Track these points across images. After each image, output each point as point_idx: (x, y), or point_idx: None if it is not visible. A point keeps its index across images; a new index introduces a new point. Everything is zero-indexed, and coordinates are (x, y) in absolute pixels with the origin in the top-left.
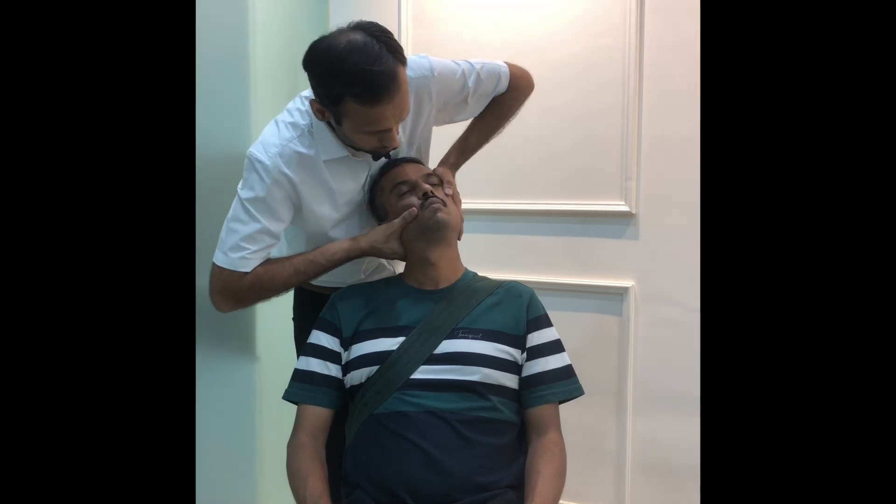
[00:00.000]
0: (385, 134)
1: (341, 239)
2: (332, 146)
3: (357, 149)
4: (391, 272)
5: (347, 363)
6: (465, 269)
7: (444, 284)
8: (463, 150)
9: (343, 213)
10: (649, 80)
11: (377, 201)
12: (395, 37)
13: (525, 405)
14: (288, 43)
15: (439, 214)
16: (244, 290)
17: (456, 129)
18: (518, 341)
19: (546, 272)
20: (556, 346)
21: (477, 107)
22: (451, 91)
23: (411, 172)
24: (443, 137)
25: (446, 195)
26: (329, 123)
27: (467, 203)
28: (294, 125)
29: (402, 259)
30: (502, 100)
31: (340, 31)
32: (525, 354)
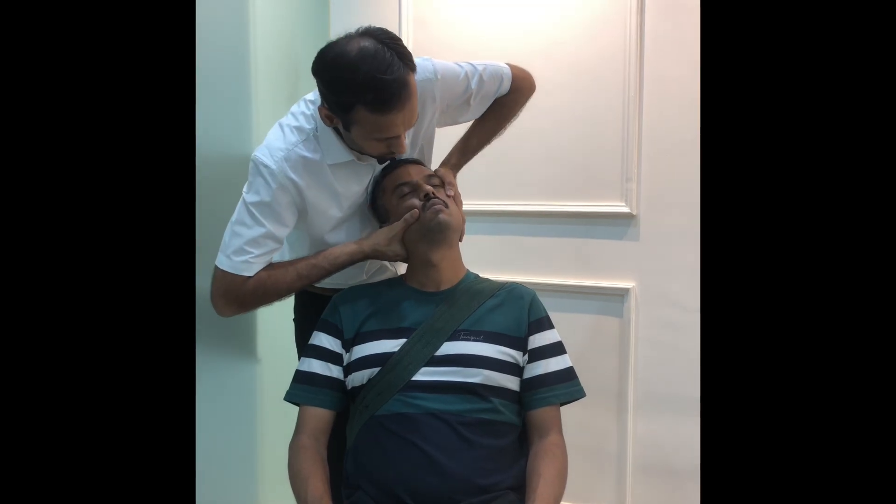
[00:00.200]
0: (393, 140)
1: (341, 242)
2: (337, 150)
3: (364, 153)
4: (393, 273)
5: (349, 364)
6: (467, 270)
7: (445, 286)
8: (464, 151)
9: (347, 215)
10: (650, 81)
11: (379, 202)
12: None
13: (526, 407)
14: (288, 44)
15: (441, 216)
16: (247, 295)
17: (458, 130)
18: (519, 343)
19: (546, 273)
20: (557, 348)
21: (479, 108)
22: (454, 93)
23: (413, 173)
24: (445, 138)
25: (448, 196)
26: (336, 129)
27: (468, 204)
28: (299, 129)
29: (404, 261)
30: (504, 101)
31: (350, 38)
32: (526, 356)
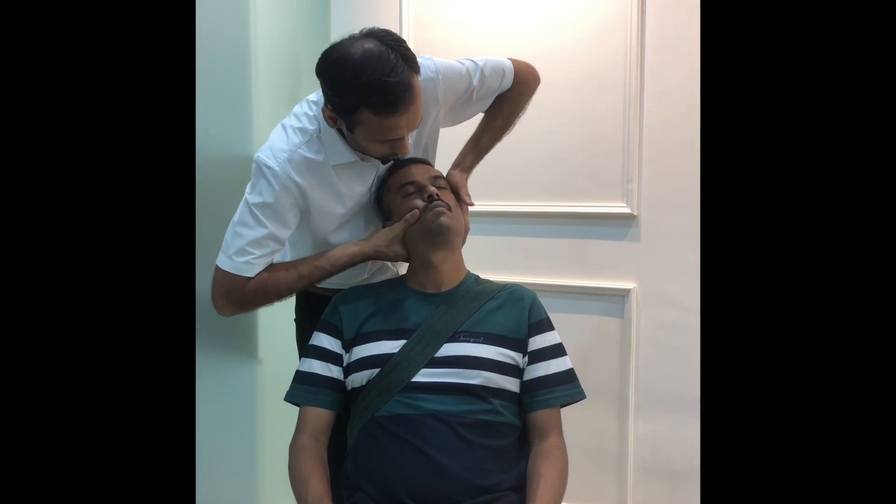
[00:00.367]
0: (397, 142)
1: (344, 242)
2: (341, 151)
3: (367, 154)
4: (394, 273)
5: (349, 365)
6: (468, 271)
7: (446, 287)
8: (477, 151)
9: (350, 215)
10: (650, 82)
11: (384, 200)
12: None
13: (527, 409)
14: (289, 44)
15: (442, 218)
16: (248, 295)
17: (460, 128)
18: (520, 345)
19: (547, 274)
20: (557, 350)
21: (483, 104)
22: (457, 91)
23: (419, 174)
24: (448, 137)
25: (466, 200)
26: (339, 130)
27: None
28: (302, 130)
29: (405, 261)
30: (509, 96)
31: (354, 39)
32: (527, 358)
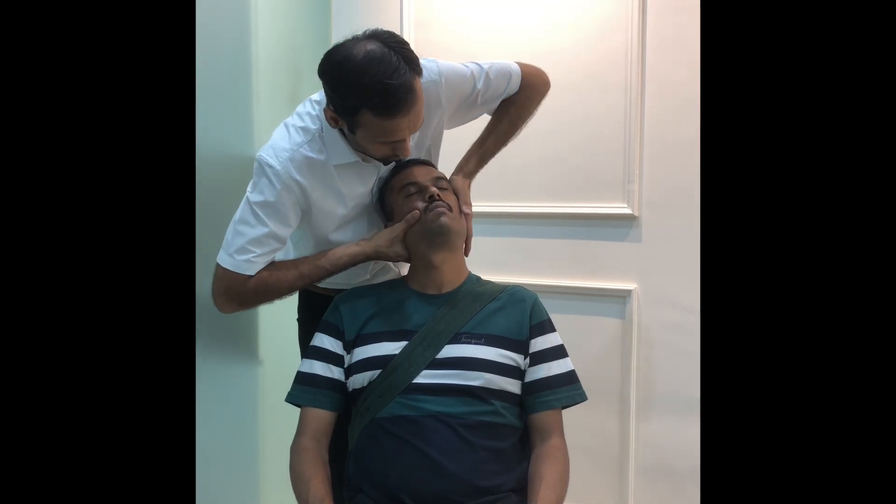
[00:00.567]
0: (398, 144)
1: (346, 242)
2: (342, 151)
3: (368, 155)
4: (396, 273)
5: (350, 366)
6: (469, 272)
7: (447, 288)
8: (481, 155)
9: (351, 216)
10: (651, 82)
11: (386, 201)
12: None
13: (528, 411)
14: (290, 45)
15: (443, 219)
16: (248, 293)
17: (464, 130)
18: (521, 346)
19: (548, 275)
20: (559, 352)
21: (488, 107)
22: (461, 94)
23: (421, 174)
24: (452, 138)
25: (463, 209)
26: (341, 130)
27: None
28: (304, 130)
29: (406, 261)
30: (516, 100)
31: (356, 40)
32: (528, 360)
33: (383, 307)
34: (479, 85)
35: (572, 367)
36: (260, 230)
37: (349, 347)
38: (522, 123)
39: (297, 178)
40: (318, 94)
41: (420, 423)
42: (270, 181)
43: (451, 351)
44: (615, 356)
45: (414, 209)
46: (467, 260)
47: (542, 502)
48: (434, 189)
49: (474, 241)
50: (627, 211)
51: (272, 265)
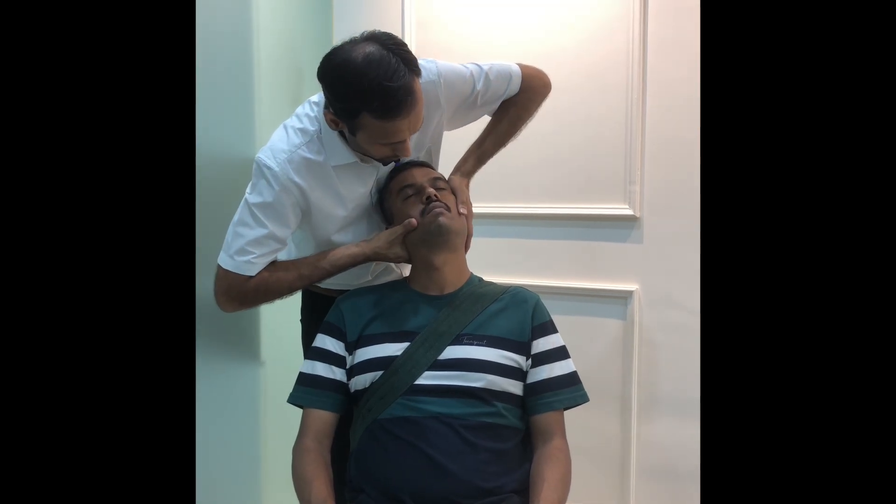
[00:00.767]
0: (399, 145)
1: (347, 243)
2: (341, 152)
3: (368, 156)
4: (398, 274)
5: (352, 367)
6: (471, 274)
7: (449, 289)
8: (480, 155)
9: (351, 217)
10: (653, 83)
11: (385, 204)
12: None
13: (530, 412)
14: (292, 46)
15: (441, 219)
16: (248, 293)
17: (465, 131)
18: (523, 348)
19: (550, 276)
20: (561, 353)
21: (488, 108)
22: (460, 95)
23: (418, 176)
24: (452, 139)
25: (460, 210)
26: (341, 132)
27: (472, 207)
28: (303, 131)
29: (407, 262)
30: (516, 101)
31: (355, 43)
32: (530, 361)
33: (385, 308)
34: (479, 86)
35: (574, 369)
36: (259, 231)
37: (351, 348)
38: (522, 124)
39: (296, 179)
40: (317, 96)
41: (422, 424)
42: (269, 182)
43: (452, 352)
44: (616, 357)
45: (412, 215)
46: (469, 260)
47: (544, 503)
48: (431, 190)
49: (476, 242)
50: (629, 212)
51: (273, 265)
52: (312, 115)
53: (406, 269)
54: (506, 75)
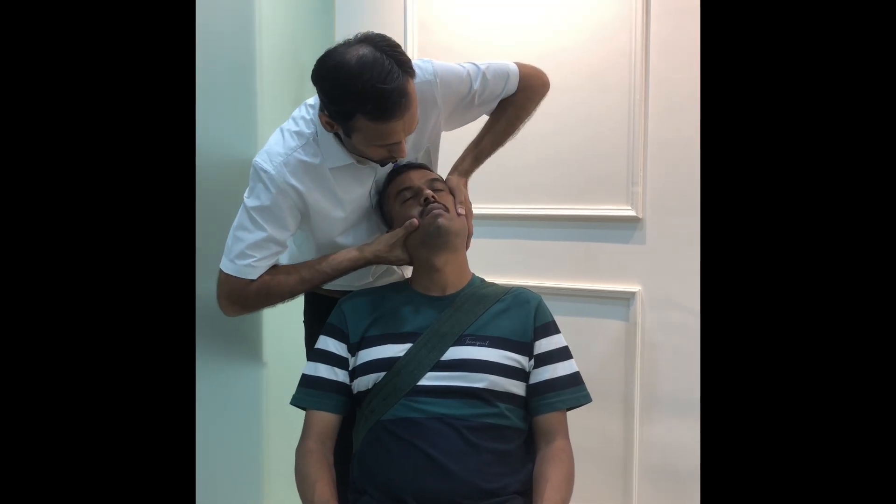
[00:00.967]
0: (394, 146)
1: (349, 246)
2: (337, 154)
3: (364, 158)
4: (400, 275)
5: (354, 369)
6: (473, 275)
7: (451, 290)
8: (477, 154)
9: (351, 219)
10: (655, 84)
11: (385, 208)
12: (402, 42)
13: (533, 412)
14: (294, 47)
15: (440, 220)
16: (250, 297)
17: (463, 131)
18: (525, 348)
19: (552, 277)
20: (563, 353)
21: (486, 108)
22: (457, 94)
23: (415, 178)
24: (451, 139)
25: (458, 210)
26: (336, 134)
27: (473, 208)
28: (299, 134)
29: (409, 264)
30: (514, 101)
31: (348, 45)
32: (532, 361)
33: (387, 310)
34: (476, 85)
35: (577, 369)
36: (258, 235)
37: (353, 350)
38: (520, 124)
39: (293, 182)
40: (313, 98)
41: (424, 425)
42: (266, 186)
43: (455, 353)
44: (619, 358)
45: (411, 217)
46: (470, 261)
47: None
48: (429, 192)
49: (478, 243)
50: (631, 213)
51: (274, 269)
52: (308, 117)
53: (408, 270)
54: (503, 74)
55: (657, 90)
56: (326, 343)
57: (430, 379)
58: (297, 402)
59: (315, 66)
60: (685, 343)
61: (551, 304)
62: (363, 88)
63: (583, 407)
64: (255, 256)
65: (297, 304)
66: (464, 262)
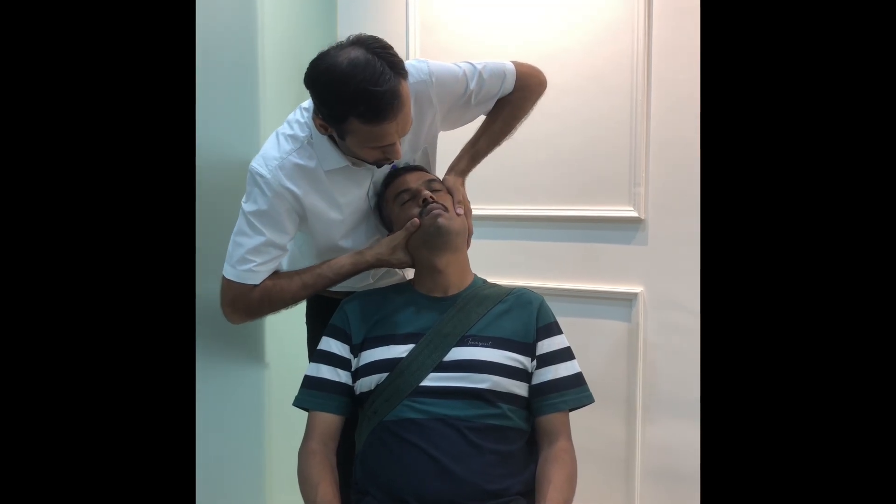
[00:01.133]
0: (389, 148)
1: (350, 249)
2: (332, 157)
3: (359, 160)
4: (401, 277)
5: (357, 370)
6: (475, 276)
7: (453, 291)
8: (474, 154)
9: (350, 222)
10: (657, 85)
11: (384, 212)
12: (404, 42)
13: (535, 413)
14: (296, 48)
15: (439, 220)
16: (253, 303)
17: (461, 131)
18: (528, 349)
19: (554, 278)
20: (566, 354)
21: (483, 108)
22: (453, 94)
23: (412, 180)
24: (448, 139)
25: (457, 209)
26: (331, 136)
27: (475, 208)
28: (293, 137)
29: (411, 267)
30: (511, 100)
31: (340, 47)
32: (535, 362)
33: (390, 311)
34: (472, 85)
35: (579, 370)
36: (257, 239)
37: (356, 351)
38: (517, 123)
39: (289, 185)
40: (308, 102)
41: (427, 426)
42: (262, 190)
43: (457, 354)
44: (621, 359)
45: (411, 217)
46: (472, 262)
47: None
48: (427, 192)
49: (480, 244)
50: (633, 214)
51: (276, 275)
52: (303, 120)
53: (409, 272)
54: (500, 74)
55: (659, 91)
56: (329, 344)
57: (433, 380)
58: (299, 403)
59: (307, 69)
60: (688, 344)
61: (553, 305)
62: (355, 91)
63: (585, 408)
64: (255, 261)
65: (299, 306)
66: (465, 263)
